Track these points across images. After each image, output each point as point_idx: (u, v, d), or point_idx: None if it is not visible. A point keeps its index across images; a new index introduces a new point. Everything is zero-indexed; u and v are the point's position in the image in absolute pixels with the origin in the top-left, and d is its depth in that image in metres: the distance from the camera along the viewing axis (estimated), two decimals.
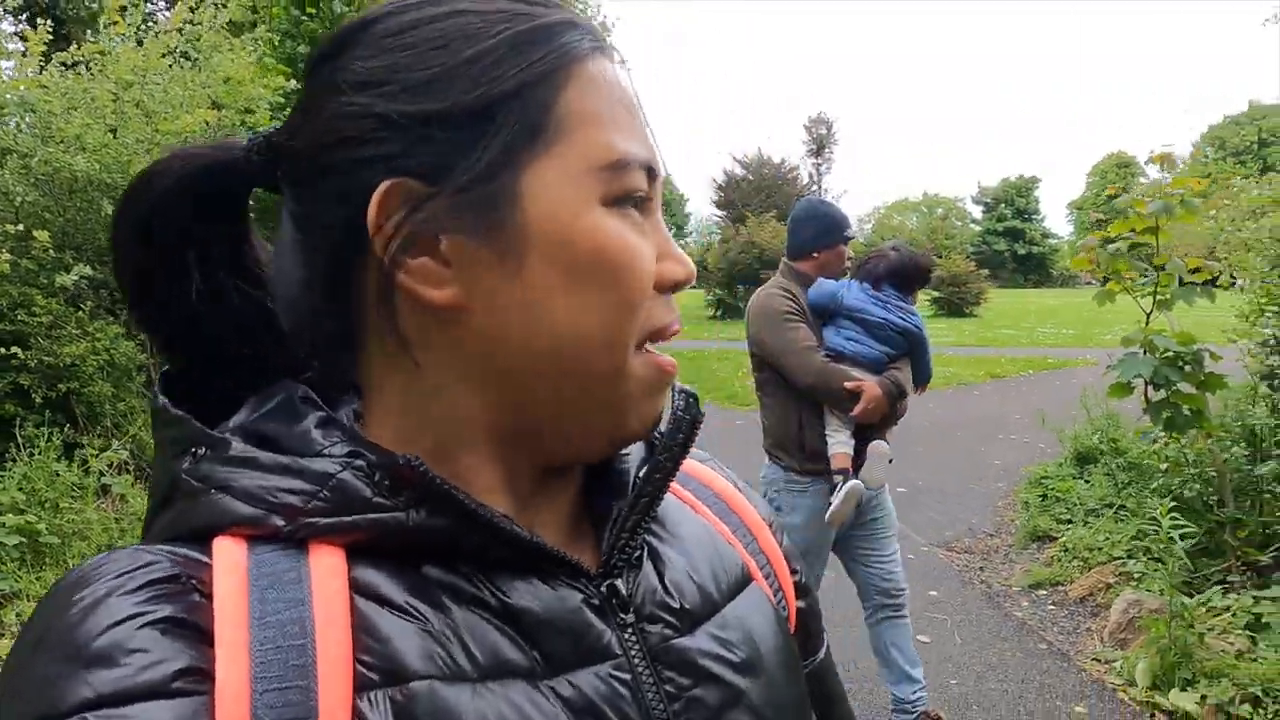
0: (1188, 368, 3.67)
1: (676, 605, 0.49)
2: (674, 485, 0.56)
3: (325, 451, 0.43)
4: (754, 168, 33.29)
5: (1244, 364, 4.12)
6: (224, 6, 5.92)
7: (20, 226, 4.51)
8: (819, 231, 2.70)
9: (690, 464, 0.61)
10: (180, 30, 5.65)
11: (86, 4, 9.97)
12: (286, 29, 8.27)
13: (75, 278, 4.56)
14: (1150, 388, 3.70)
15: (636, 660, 0.46)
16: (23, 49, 5.32)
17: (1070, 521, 4.84)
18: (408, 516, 0.42)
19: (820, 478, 2.61)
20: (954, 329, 18.72)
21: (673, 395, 0.51)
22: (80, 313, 4.86)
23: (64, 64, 5.24)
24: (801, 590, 0.63)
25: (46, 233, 4.59)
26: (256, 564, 0.40)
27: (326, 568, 0.41)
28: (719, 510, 0.60)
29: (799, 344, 2.58)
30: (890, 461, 2.67)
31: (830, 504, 2.55)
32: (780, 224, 22.49)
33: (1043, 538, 4.85)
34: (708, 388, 11.06)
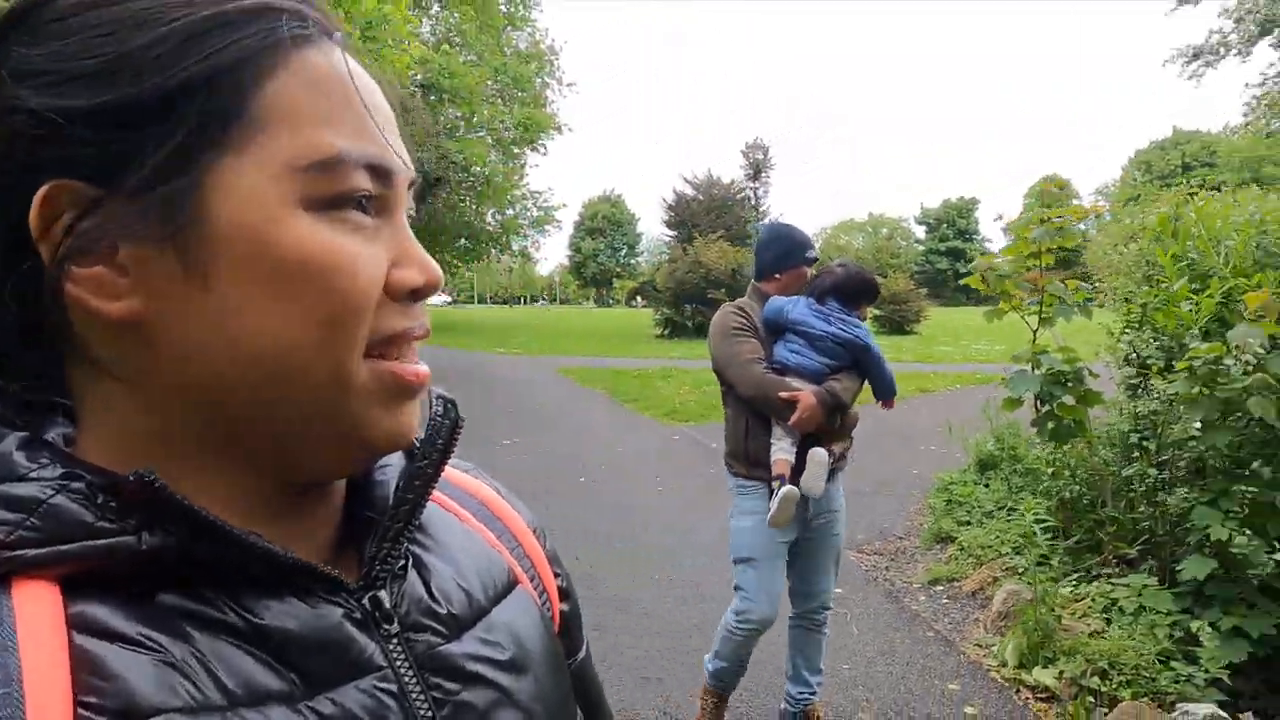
0: (1070, 384, 4.09)
1: (443, 612, 0.50)
2: (439, 495, 0.57)
3: (32, 475, 0.39)
4: (704, 188, 33.94)
5: (1112, 378, 4.55)
6: None
7: None
8: (780, 254, 2.85)
9: (454, 473, 0.62)
10: None
11: None
12: None
13: None
14: (1038, 402, 4.11)
15: (402, 670, 0.46)
16: None
17: (969, 523, 5.22)
18: (139, 540, 0.39)
19: (764, 484, 2.75)
20: (894, 346, 19.29)
21: (430, 402, 0.51)
22: None
23: None
24: (564, 593, 0.64)
25: None
26: None
27: (36, 605, 0.37)
28: (484, 517, 0.60)
29: (741, 356, 2.75)
30: (836, 471, 2.79)
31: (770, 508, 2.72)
32: (727, 245, 23.02)
33: (945, 539, 5.22)
34: (650, 404, 11.27)
